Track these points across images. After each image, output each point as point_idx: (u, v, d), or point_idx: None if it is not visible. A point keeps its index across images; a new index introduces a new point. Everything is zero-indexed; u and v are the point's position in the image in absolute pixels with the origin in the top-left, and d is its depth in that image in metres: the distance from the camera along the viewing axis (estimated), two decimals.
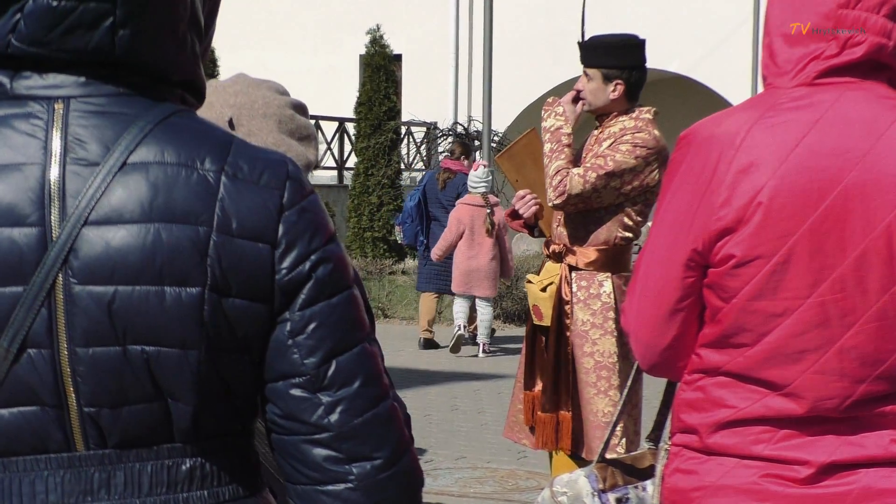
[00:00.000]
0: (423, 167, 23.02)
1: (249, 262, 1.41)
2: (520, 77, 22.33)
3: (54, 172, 1.40)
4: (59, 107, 1.42)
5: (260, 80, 2.28)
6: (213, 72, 17.52)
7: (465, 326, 11.58)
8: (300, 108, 2.29)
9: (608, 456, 2.53)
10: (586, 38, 4.92)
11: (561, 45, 21.72)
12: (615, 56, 4.77)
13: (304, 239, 1.44)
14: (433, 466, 7.12)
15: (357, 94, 20.50)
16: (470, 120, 21.74)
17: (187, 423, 1.44)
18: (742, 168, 1.91)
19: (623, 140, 4.67)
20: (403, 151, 21.79)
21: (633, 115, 4.78)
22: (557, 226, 4.83)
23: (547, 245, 4.91)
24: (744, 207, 1.90)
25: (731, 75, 21.38)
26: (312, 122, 2.36)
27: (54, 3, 1.40)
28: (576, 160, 4.76)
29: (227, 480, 1.48)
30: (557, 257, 4.80)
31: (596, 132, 4.86)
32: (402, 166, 21.29)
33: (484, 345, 11.69)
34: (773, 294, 1.92)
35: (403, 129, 21.68)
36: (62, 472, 1.43)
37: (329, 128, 21.04)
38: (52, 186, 1.40)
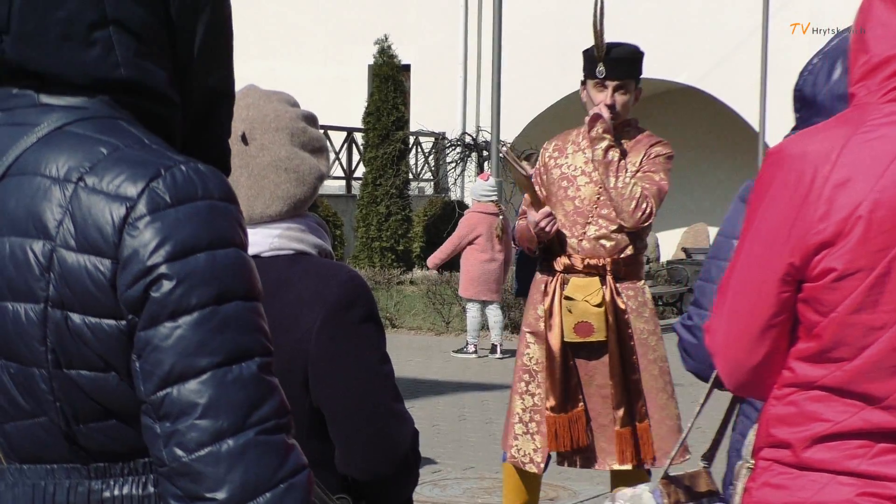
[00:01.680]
0: (432, 177, 23.06)
1: (91, 277, 1.34)
2: (528, 87, 22.35)
3: None
4: None
5: (271, 92, 2.27)
6: None
7: (476, 345, 12.08)
8: (311, 120, 2.29)
9: (674, 469, 2.49)
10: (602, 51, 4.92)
11: (569, 55, 21.68)
12: (639, 65, 4.94)
13: (144, 254, 1.33)
14: (441, 476, 7.12)
15: (365, 104, 20.54)
16: (478, 130, 21.76)
17: (65, 442, 1.40)
18: (839, 182, 1.93)
19: (658, 153, 4.86)
20: (412, 161, 21.82)
21: (631, 125, 4.97)
22: (581, 240, 4.87)
23: (572, 259, 4.91)
24: (843, 221, 1.92)
25: (740, 86, 21.37)
26: (321, 132, 2.37)
27: None
28: (598, 171, 4.87)
29: None
30: (597, 271, 4.85)
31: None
32: (411, 176, 21.31)
33: (499, 346, 12.13)
34: (874, 307, 1.94)
35: (412, 140, 21.71)
36: None
37: (337, 138, 21.06)
38: None
